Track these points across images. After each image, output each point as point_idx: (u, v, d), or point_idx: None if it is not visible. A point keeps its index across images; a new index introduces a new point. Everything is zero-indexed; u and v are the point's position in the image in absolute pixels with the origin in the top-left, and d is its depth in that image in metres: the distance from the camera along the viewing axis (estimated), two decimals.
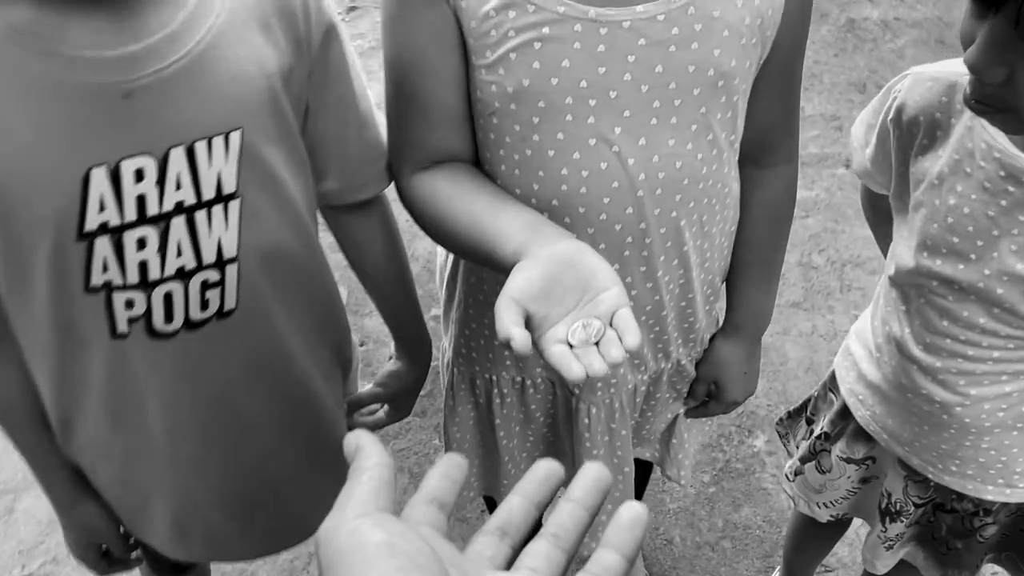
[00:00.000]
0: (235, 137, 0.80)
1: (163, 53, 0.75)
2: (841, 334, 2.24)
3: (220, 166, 0.81)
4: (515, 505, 0.44)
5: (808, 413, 1.32)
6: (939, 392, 1.02)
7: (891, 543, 1.20)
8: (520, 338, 0.65)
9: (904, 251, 1.00)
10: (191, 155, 0.78)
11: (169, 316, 0.84)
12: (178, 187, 0.79)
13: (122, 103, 0.74)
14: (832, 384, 1.25)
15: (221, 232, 0.83)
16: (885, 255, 1.21)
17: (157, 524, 1.02)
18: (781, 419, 1.39)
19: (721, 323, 1.13)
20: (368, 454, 0.43)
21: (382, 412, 1.19)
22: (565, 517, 0.43)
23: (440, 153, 0.91)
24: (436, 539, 0.41)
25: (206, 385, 0.91)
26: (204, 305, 0.85)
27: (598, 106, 0.83)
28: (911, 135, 0.97)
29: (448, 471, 0.46)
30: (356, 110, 0.94)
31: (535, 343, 0.68)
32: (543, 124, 0.84)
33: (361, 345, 2.19)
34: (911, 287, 1.00)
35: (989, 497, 1.08)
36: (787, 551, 1.61)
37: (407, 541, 0.37)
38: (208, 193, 0.81)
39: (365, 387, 1.18)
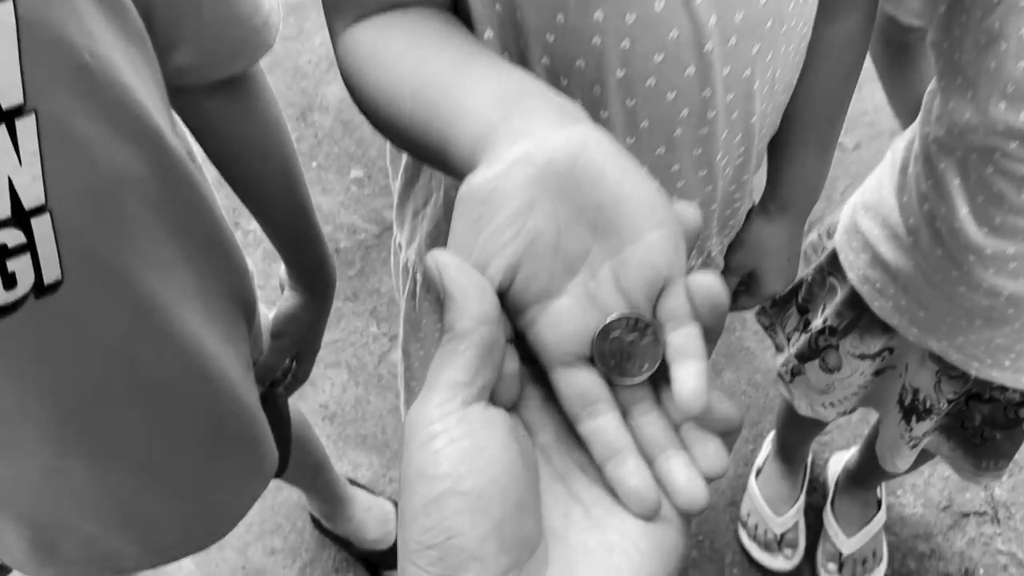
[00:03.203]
0: (4, 13, 0.51)
1: None
2: None
3: None
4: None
5: (800, 300, 1.12)
6: (1008, 285, 0.81)
7: (916, 441, 1.04)
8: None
9: (962, 104, 0.75)
10: None
11: None
12: None
13: None
14: (832, 267, 1.04)
15: (11, 169, 0.54)
16: (901, 111, 0.97)
17: (12, 548, 0.79)
18: (763, 308, 1.18)
19: (757, 198, 0.89)
20: (463, 307, 0.34)
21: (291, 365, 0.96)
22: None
23: None
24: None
25: (39, 381, 0.64)
26: (9, 282, 0.57)
27: None
28: None
29: None
30: None
31: (522, 333, 0.37)
32: None
33: None
34: (973, 152, 0.77)
35: None
36: (780, 431, 1.46)
37: (482, 465, 0.32)
38: None
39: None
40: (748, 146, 0.71)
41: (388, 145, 0.87)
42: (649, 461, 0.35)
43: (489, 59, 0.50)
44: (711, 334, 0.35)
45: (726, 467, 0.34)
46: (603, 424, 0.35)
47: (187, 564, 1.51)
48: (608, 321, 0.35)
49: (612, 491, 0.34)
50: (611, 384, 0.36)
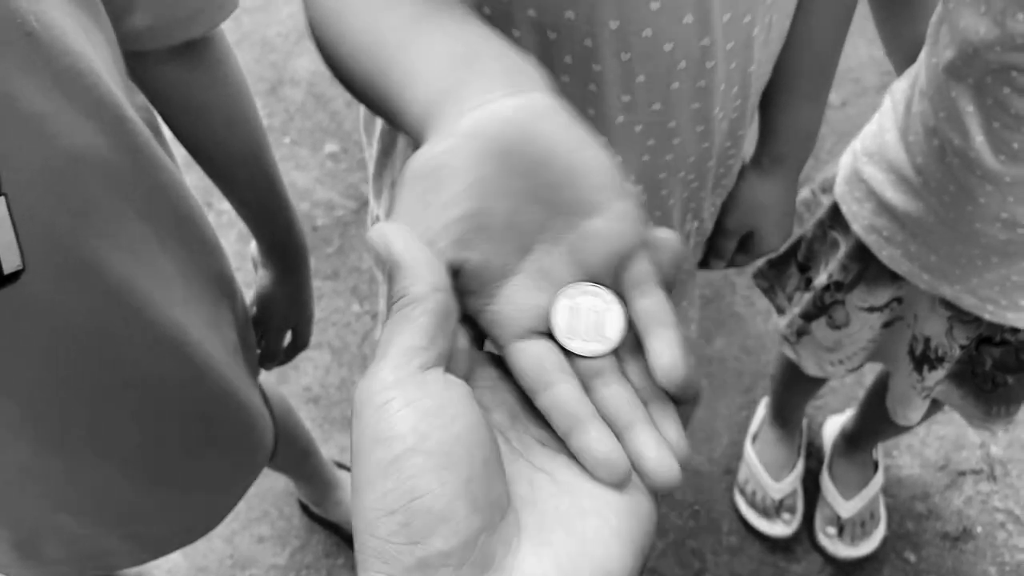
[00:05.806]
0: None
1: None
2: None
3: None
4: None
5: (800, 258, 1.09)
6: None
7: (928, 392, 1.01)
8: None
9: (975, 20, 0.72)
10: None
11: None
12: None
13: None
14: (833, 221, 1.01)
15: None
16: (897, 54, 0.93)
17: None
18: (761, 270, 1.15)
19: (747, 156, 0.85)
20: (416, 273, 0.31)
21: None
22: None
23: None
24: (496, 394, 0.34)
25: (7, 375, 0.58)
26: None
27: None
28: None
29: None
30: None
31: (474, 317, 0.35)
32: None
33: None
34: (988, 74, 0.73)
35: None
36: (775, 394, 1.43)
37: (444, 422, 0.29)
38: None
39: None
40: (744, 99, 0.68)
41: (362, 111, 0.83)
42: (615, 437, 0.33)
43: (453, 12, 0.45)
44: (672, 288, 0.35)
45: (688, 449, 0.33)
46: (563, 394, 0.33)
47: (174, 555, 1.46)
48: (566, 288, 0.34)
49: (578, 462, 0.32)
50: (569, 358, 0.34)
